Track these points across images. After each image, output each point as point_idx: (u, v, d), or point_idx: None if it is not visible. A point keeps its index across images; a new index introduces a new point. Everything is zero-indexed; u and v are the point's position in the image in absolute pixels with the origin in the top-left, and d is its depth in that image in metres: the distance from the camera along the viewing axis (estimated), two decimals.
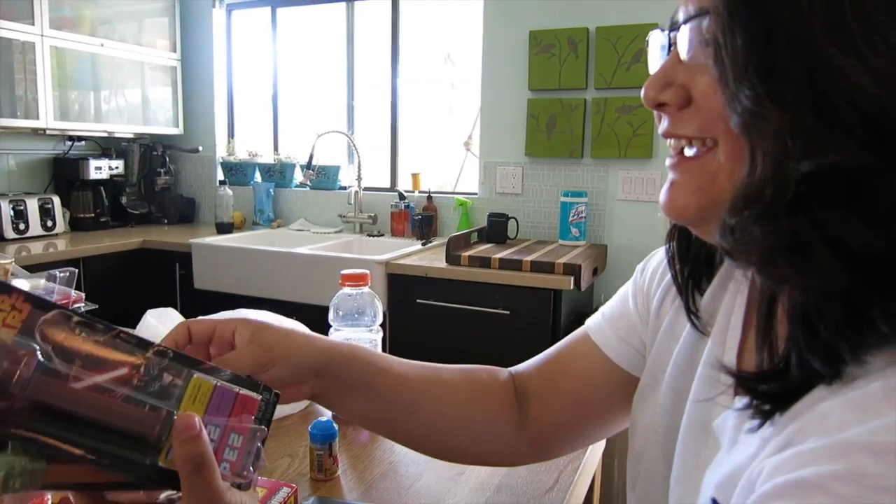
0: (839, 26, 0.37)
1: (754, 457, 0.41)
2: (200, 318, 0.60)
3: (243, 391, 0.49)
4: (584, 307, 2.56)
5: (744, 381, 0.45)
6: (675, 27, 0.48)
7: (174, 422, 0.45)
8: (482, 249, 2.45)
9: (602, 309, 0.75)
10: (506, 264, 2.26)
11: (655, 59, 0.51)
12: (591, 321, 0.75)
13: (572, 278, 2.15)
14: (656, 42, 0.51)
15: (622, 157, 2.63)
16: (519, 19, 2.78)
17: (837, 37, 0.37)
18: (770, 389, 0.42)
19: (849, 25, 0.36)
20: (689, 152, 0.48)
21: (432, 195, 3.02)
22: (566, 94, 2.70)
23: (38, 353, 0.43)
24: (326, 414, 1.09)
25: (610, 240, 2.72)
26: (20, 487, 0.41)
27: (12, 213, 2.80)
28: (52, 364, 0.43)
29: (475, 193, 2.99)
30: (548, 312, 2.18)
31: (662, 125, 0.50)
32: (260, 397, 0.50)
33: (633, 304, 0.71)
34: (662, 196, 0.51)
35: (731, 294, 0.56)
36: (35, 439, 0.42)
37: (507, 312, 2.22)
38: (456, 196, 2.99)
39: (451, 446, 0.73)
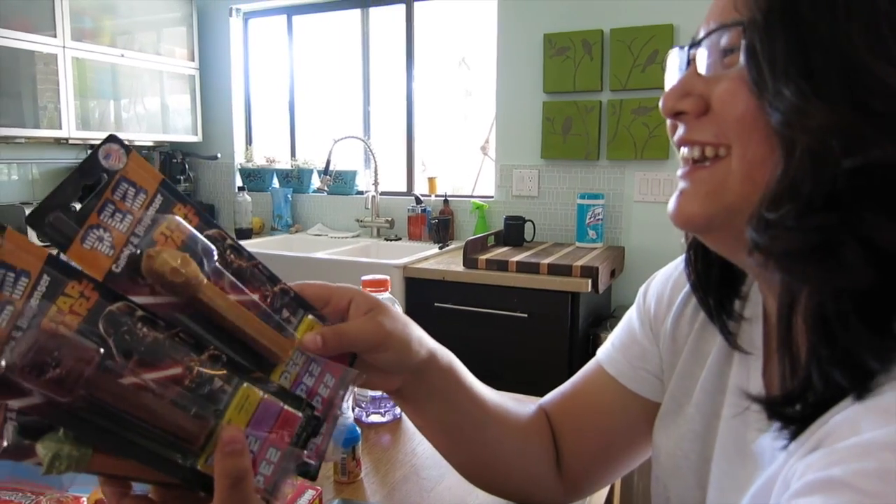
0: (877, 37, 0.39)
1: (784, 463, 0.42)
2: (313, 282, 0.57)
3: (287, 407, 0.49)
4: (602, 309, 2.56)
5: (769, 406, 0.46)
6: (694, 44, 0.50)
7: (220, 433, 0.45)
8: (499, 252, 2.46)
9: (611, 338, 0.75)
10: (523, 267, 2.26)
11: (673, 76, 0.53)
12: (601, 352, 0.74)
13: (590, 280, 2.15)
14: (674, 60, 0.53)
15: (638, 158, 2.62)
16: (533, 22, 2.78)
17: (875, 47, 0.39)
18: (794, 412, 0.43)
19: (885, 37, 0.39)
20: (702, 160, 0.49)
21: (449, 199, 3.04)
22: (581, 96, 2.71)
23: (101, 349, 0.43)
24: (349, 418, 1.10)
25: (627, 241, 2.72)
26: (64, 469, 0.42)
27: None
28: (110, 361, 0.43)
29: (491, 196, 3.00)
30: (566, 315, 2.18)
31: (678, 133, 0.51)
32: (301, 415, 0.49)
33: (641, 330, 0.70)
34: (671, 205, 0.53)
35: (750, 318, 0.57)
36: (84, 429, 0.42)
37: (525, 315, 2.22)
38: (472, 199, 3.00)
39: (501, 474, 0.73)
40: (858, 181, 0.39)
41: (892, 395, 0.37)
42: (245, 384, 0.48)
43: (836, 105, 0.40)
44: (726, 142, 0.47)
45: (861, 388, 0.39)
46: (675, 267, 0.70)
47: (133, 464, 0.45)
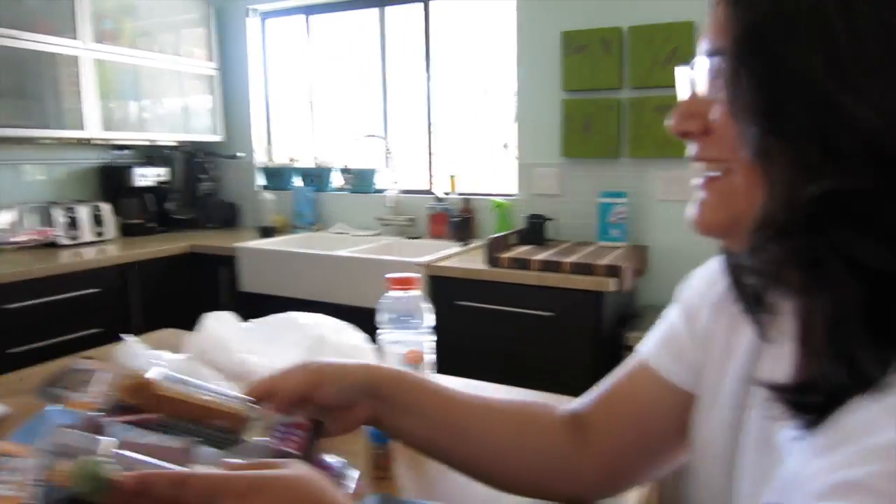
0: (837, 65, 0.40)
1: (799, 456, 0.43)
2: (260, 381, 0.67)
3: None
4: (628, 309, 2.55)
5: (780, 394, 0.47)
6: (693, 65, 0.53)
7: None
8: (521, 251, 2.46)
9: (651, 336, 0.76)
10: (545, 266, 2.26)
11: (684, 90, 0.56)
12: (643, 348, 0.76)
13: (614, 280, 2.15)
14: (682, 76, 0.56)
15: (661, 156, 2.61)
16: (551, 20, 2.78)
17: (836, 75, 0.40)
18: (805, 400, 0.45)
19: (846, 64, 0.40)
20: (714, 174, 0.52)
21: (469, 197, 3.04)
22: (601, 94, 2.70)
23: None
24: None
25: (652, 240, 2.69)
26: (95, 470, 0.46)
27: (66, 220, 2.90)
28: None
29: (512, 195, 3.00)
30: (590, 314, 2.18)
31: (690, 150, 0.55)
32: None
33: (682, 325, 0.72)
34: (692, 213, 0.55)
35: (785, 312, 0.58)
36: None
37: (550, 314, 2.22)
38: (493, 198, 3.00)
39: (503, 472, 0.74)
40: (831, 206, 0.41)
41: None
42: None
43: (796, 141, 0.42)
44: (730, 158, 0.50)
45: (861, 389, 0.40)
46: (712, 265, 0.72)
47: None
